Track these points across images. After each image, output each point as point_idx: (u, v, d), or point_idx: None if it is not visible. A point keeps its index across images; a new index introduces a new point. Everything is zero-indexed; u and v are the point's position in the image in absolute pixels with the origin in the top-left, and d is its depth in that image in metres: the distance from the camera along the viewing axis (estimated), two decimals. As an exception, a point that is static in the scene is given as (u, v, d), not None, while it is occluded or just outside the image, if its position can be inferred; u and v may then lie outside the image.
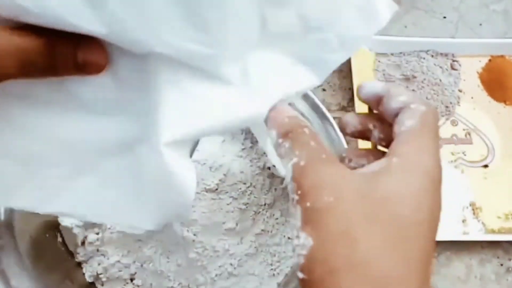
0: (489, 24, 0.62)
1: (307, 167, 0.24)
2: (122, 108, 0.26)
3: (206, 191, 0.40)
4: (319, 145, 0.25)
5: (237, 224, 0.41)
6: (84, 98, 0.26)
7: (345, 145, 0.38)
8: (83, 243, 0.44)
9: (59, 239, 0.44)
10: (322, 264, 0.22)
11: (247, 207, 0.42)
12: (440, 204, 0.26)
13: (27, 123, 0.26)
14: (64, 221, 0.43)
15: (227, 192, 0.41)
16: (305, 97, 0.41)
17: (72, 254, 0.44)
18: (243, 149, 0.45)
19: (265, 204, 0.43)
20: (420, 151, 0.25)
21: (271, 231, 0.43)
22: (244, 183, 0.42)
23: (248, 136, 0.46)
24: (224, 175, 0.41)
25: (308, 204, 0.23)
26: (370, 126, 0.30)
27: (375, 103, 0.29)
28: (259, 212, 0.43)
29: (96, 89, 0.25)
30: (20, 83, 0.24)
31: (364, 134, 0.30)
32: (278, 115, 0.27)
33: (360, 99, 0.30)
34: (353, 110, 0.55)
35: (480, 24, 0.62)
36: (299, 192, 0.24)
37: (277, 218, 0.44)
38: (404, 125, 0.25)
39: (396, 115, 0.27)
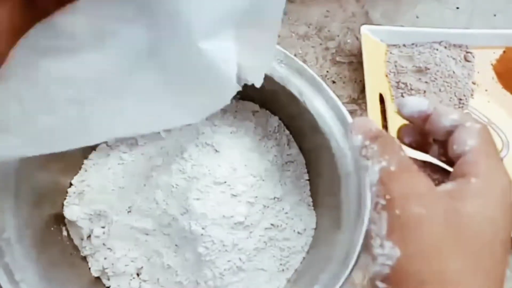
0: (504, 15, 0.60)
1: (397, 174, 0.25)
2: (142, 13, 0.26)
3: (215, 184, 0.39)
4: (407, 155, 0.26)
5: (246, 218, 0.40)
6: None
7: (346, 113, 0.37)
8: (88, 237, 0.43)
9: (65, 233, 0.43)
10: (414, 276, 0.23)
11: (256, 201, 0.41)
12: None
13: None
14: (69, 214, 0.42)
15: (236, 185, 0.40)
16: (299, 71, 0.39)
17: (77, 248, 0.43)
18: (252, 142, 0.44)
19: (274, 198, 0.42)
20: (494, 171, 0.26)
21: (281, 226, 0.42)
22: (254, 176, 0.41)
23: (258, 130, 0.45)
24: (233, 168, 0.40)
25: (397, 211, 0.23)
26: (430, 140, 0.30)
27: (420, 120, 0.29)
28: (269, 206, 0.42)
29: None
30: None
31: (422, 146, 0.31)
32: (364, 123, 0.28)
33: (402, 116, 0.30)
34: (364, 102, 0.54)
35: (494, 15, 0.60)
36: (387, 197, 0.24)
37: (286, 212, 0.43)
38: (467, 144, 0.26)
39: (448, 133, 0.28)
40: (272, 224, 0.42)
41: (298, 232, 0.43)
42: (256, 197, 0.41)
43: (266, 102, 0.46)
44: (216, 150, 0.41)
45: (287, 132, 0.46)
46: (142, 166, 0.44)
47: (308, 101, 0.39)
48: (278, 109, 0.46)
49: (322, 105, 0.39)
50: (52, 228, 0.42)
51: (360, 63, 0.55)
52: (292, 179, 0.45)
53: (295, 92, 0.39)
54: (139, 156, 0.45)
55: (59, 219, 0.43)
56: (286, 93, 0.40)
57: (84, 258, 0.43)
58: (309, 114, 0.39)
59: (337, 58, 0.58)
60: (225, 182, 0.40)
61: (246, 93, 0.45)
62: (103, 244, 0.42)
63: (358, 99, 0.56)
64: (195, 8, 0.26)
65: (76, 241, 0.43)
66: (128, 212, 0.42)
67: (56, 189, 0.43)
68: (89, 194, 0.43)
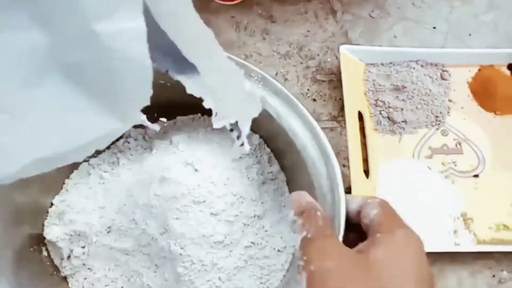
0: (478, 35, 0.62)
1: (313, 240, 0.30)
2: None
3: (194, 203, 0.39)
4: (325, 224, 0.32)
5: (225, 237, 0.40)
6: None
7: (333, 157, 0.38)
8: (68, 257, 0.43)
9: (45, 253, 0.43)
10: None
11: (236, 219, 0.41)
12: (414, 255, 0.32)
13: None
14: (49, 235, 0.42)
15: (215, 204, 0.40)
16: (276, 92, 0.40)
17: (57, 269, 0.43)
18: (233, 160, 0.45)
19: (254, 216, 0.43)
20: (395, 225, 0.32)
21: (261, 244, 0.42)
22: (234, 195, 0.42)
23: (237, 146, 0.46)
24: (213, 187, 0.41)
25: (312, 267, 0.28)
26: None
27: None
28: (249, 224, 0.42)
29: None
30: None
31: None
32: (298, 198, 0.34)
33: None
34: (344, 120, 0.55)
35: (470, 35, 0.62)
36: (304, 258, 0.29)
37: (266, 230, 0.43)
38: (372, 213, 0.32)
39: (358, 213, 0.34)
40: (252, 242, 0.42)
41: (278, 250, 0.43)
42: (236, 215, 0.41)
43: None
44: (196, 169, 0.41)
45: (268, 150, 0.47)
46: (122, 186, 0.44)
47: (285, 122, 0.40)
48: (258, 127, 0.46)
49: (299, 125, 0.39)
50: (32, 249, 0.42)
51: (340, 81, 0.56)
52: (272, 196, 0.45)
53: (272, 113, 0.40)
54: (120, 176, 0.45)
55: (40, 239, 0.43)
56: (265, 113, 0.40)
57: (65, 278, 0.43)
58: (286, 134, 0.40)
59: (318, 77, 0.59)
60: (205, 201, 0.40)
61: None
62: (83, 264, 0.42)
63: (338, 116, 0.57)
64: None
65: (56, 261, 0.43)
66: (108, 232, 0.42)
67: (36, 209, 0.43)
68: (69, 214, 0.43)
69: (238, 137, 0.40)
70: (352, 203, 0.36)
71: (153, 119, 0.47)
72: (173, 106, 0.46)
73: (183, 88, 0.40)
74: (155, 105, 0.42)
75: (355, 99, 0.55)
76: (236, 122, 0.38)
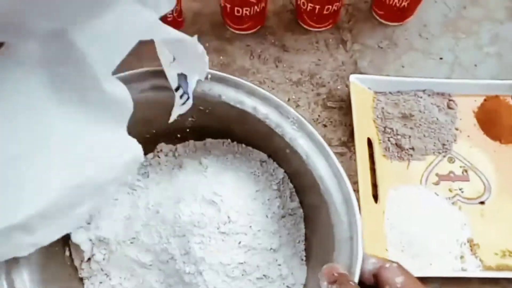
0: (484, 65, 0.64)
1: None
2: None
3: (217, 232, 0.41)
4: None
5: (242, 267, 0.42)
6: None
7: (356, 208, 0.40)
8: (88, 259, 0.44)
9: (67, 253, 0.45)
10: None
11: (254, 251, 0.43)
12: None
13: None
14: (75, 238, 0.44)
15: (237, 234, 0.42)
16: (309, 135, 0.42)
17: (76, 270, 0.45)
18: (256, 191, 0.47)
19: (270, 249, 0.44)
20: None
21: (272, 277, 0.44)
22: (254, 227, 0.43)
23: (262, 179, 0.48)
24: (237, 215, 0.43)
25: None
26: None
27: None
28: (264, 256, 0.44)
29: None
30: None
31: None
32: (330, 270, 0.36)
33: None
34: (353, 145, 0.57)
35: (475, 65, 0.64)
36: None
37: (279, 264, 0.45)
38: (398, 282, 0.34)
39: (373, 275, 0.36)
40: (264, 275, 0.44)
41: (287, 286, 0.45)
42: (254, 248, 0.43)
43: (273, 154, 0.49)
44: (222, 199, 0.43)
45: (291, 185, 0.49)
46: (149, 199, 0.46)
47: (313, 164, 0.42)
48: (283, 162, 0.49)
49: (326, 171, 0.41)
50: (57, 247, 0.44)
51: (349, 108, 0.58)
52: (289, 232, 0.47)
53: (302, 153, 0.42)
54: (148, 189, 0.47)
55: (65, 239, 0.45)
56: (293, 151, 0.43)
57: (81, 280, 0.45)
58: (312, 176, 0.42)
59: (328, 103, 0.61)
60: (227, 231, 0.42)
61: (256, 143, 0.49)
62: (101, 269, 0.44)
63: (348, 142, 0.59)
64: (97, 52, 0.30)
65: (76, 262, 0.45)
66: (131, 243, 0.44)
67: None
68: (96, 219, 0.45)
69: (181, 96, 0.42)
70: (366, 263, 0.37)
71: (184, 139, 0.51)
72: (206, 129, 0.49)
73: (219, 114, 0.45)
74: (190, 128, 0.47)
75: (364, 125, 0.57)
76: (185, 77, 0.42)
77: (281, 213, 0.47)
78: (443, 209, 0.54)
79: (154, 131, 0.49)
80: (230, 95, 0.44)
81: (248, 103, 0.44)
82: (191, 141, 0.51)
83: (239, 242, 0.42)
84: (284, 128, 0.43)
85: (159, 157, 0.50)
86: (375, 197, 0.54)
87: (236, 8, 0.61)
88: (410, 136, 0.57)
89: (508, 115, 0.58)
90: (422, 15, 0.67)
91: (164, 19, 0.60)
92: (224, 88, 0.44)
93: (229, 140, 0.51)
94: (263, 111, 0.43)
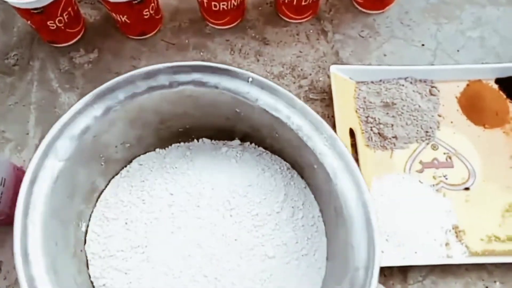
0: (467, 50, 0.63)
1: None
2: None
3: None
4: None
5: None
6: None
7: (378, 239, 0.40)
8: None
9: (83, 229, 0.48)
10: None
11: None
12: None
13: None
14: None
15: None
16: (340, 154, 0.43)
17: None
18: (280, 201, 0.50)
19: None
20: None
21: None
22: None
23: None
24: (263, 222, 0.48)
25: None
26: None
27: None
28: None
29: None
30: None
31: None
32: None
33: None
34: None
35: (458, 51, 0.63)
36: None
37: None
38: None
39: None
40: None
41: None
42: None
43: (299, 168, 0.51)
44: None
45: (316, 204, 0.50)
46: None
47: (340, 184, 0.42)
48: (309, 178, 0.50)
49: (353, 195, 0.41)
50: (74, 222, 0.47)
51: (332, 100, 0.57)
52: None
53: (329, 171, 0.43)
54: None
55: (80, 216, 0.48)
56: (321, 167, 0.44)
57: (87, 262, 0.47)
58: (337, 197, 0.42)
59: (310, 95, 0.61)
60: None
61: (285, 152, 0.51)
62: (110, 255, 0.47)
63: (332, 134, 0.58)
64: None
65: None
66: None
67: (90, 188, 0.49)
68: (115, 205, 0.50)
69: None
70: None
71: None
72: (235, 132, 0.52)
73: (254, 118, 0.47)
74: (221, 128, 0.51)
75: (346, 116, 0.57)
76: None
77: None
78: (427, 197, 0.53)
79: (188, 127, 0.51)
80: (267, 101, 0.45)
81: (284, 112, 0.44)
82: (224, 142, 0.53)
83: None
84: (315, 143, 0.43)
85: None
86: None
87: (213, 3, 0.60)
88: (392, 125, 0.57)
89: (491, 99, 0.58)
90: (403, 2, 0.67)
91: (141, 16, 0.59)
92: (262, 94, 0.45)
93: (257, 146, 0.53)
94: (298, 122, 0.44)
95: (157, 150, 0.52)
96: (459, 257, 0.50)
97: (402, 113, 0.57)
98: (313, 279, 0.46)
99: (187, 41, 0.64)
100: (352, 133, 0.57)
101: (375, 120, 0.57)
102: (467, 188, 0.54)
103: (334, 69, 0.58)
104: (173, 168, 0.51)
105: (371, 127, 0.57)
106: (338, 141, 0.43)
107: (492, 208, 0.53)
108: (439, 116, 0.58)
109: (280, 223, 0.48)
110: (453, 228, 0.52)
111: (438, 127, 0.57)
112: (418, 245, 0.50)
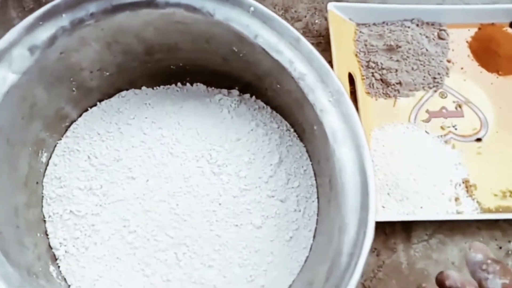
0: (478, -8, 0.57)
1: None
2: None
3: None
4: None
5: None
6: None
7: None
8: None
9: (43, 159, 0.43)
10: None
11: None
12: None
13: None
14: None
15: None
16: (346, 115, 0.36)
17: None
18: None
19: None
20: None
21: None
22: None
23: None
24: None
25: None
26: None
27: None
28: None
29: None
30: None
31: None
32: (482, 246, 0.34)
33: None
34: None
35: (469, -8, 0.57)
36: None
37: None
38: None
39: None
40: None
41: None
42: None
43: (297, 126, 0.44)
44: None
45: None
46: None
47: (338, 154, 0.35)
48: (307, 140, 0.43)
49: (352, 165, 0.34)
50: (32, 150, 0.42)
51: (329, 44, 0.51)
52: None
53: (329, 135, 0.35)
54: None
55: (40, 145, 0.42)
56: (321, 130, 0.36)
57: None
58: (334, 166, 0.35)
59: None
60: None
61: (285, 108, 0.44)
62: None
63: (327, 82, 0.52)
64: None
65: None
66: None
67: (54, 114, 0.43)
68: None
69: None
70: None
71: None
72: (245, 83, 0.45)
73: (252, 60, 0.39)
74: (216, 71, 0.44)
75: (345, 60, 0.51)
76: None
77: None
78: (434, 148, 0.48)
79: (181, 64, 0.44)
80: (269, 39, 0.37)
81: (286, 55, 0.37)
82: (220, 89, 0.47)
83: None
84: (317, 97, 0.36)
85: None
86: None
87: None
88: (396, 70, 0.51)
89: (506, 44, 0.52)
90: None
91: None
92: (263, 29, 0.37)
93: (253, 97, 0.46)
94: (301, 70, 0.36)
95: (143, 88, 0.46)
96: (470, 214, 0.45)
97: (407, 57, 0.51)
98: (299, 258, 0.40)
99: None
100: (351, 79, 0.51)
101: (377, 65, 0.51)
102: (478, 139, 0.48)
103: (331, 6, 0.51)
104: (155, 108, 0.45)
105: (372, 72, 0.51)
106: (346, 97, 0.35)
107: (506, 161, 0.47)
108: (448, 61, 0.52)
109: (271, 190, 0.41)
110: (463, 182, 0.46)
111: (447, 73, 0.51)
112: (423, 199, 0.45)
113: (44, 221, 0.41)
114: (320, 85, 0.36)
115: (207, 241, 0.40)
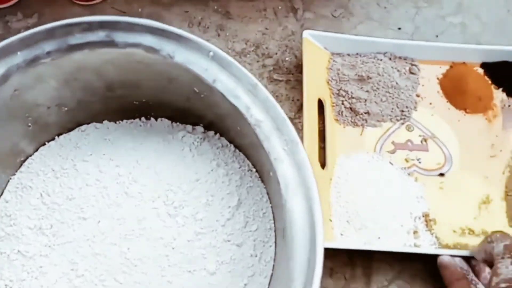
0: (446, 37, 0.58)
1: None
2: None
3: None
4: None
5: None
6: None
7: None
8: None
9: None
10: None
11: None
12: None
13: None
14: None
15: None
16: (299, 166, 0.34)
17: None
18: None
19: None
20: None
21: None
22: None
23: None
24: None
25: None
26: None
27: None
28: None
29: None
30: None
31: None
32: (504, 236, 0.39)
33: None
34: (301, 122, 0.50)
35: (437, 36, 0.58)
36: None
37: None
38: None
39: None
40: None
41: None
42: None
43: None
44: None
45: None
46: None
47: (290, 203, 0.34)
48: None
49: (302, 215, 0.33)
50: None
51: (298, 81, 0.52)
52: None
53: (282, 185, 0.34)
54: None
55: None
56: (275, 177, 0.35)
57: None
58: (285, 216, 0.34)
59: (275, 76, 0.55)
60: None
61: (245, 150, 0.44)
62: None
63: (295, 118, 0.52)
64: None
65: None
66: None
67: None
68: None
69: None
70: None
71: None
72: (198, 117, 0.44)
73: (213, 103, 0.39)
74: (182, 110, 0.43)
75: (316, 86, 0.51)
76: None
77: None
78: (397, 179, 0.47)
79: (144, 100, 0.44)
80: (227, 83, 0.37)
81: (243, 100, 0.36)
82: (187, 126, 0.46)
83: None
84: (272, 145, 0.35)
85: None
86: (323, 164, 0.48)
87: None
88: (366, 100, 0.51)
89: (475, 83, 0.52)
90: (381, -18, 0.62)
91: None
92: (222, 74, 0.37)
93: (217, 135, 0.45)
94: (258, 116, 0.36)
95: (105, 122, 0.45)
96: (428, 248, 0.44)
97: (377, 88, 0.51)
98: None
99: (140, 9, 0.57)
100: (321, 105, 0.51)
101: (347, 94, 0.51)
102: (442, 174, 0.48)
103: (307, 34, 0.52)
104: (114, 144, 0.44)
105: (342, 100, 0.51)
106: (300, 147, 0.35)
107: (468, 199, 0.47)
108: (417, 96, 0.52)
109: (228, 234, 0.40)
110: (423, 216, 0.46)
111: (415, 107, 0.52)
112: (382, 230, 0.44)
113: (-10, 260, 0.39)
114: (275, 133, 0.35)
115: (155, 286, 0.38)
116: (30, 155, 0.43)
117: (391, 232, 0.44)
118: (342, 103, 0.51)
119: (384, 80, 0.52)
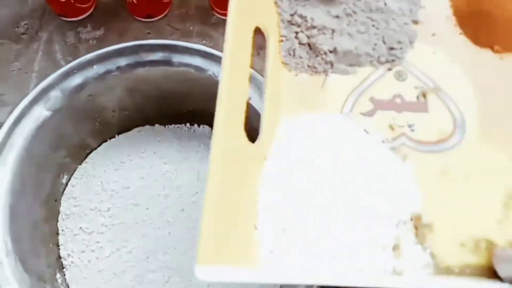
0: None
1: None
2: None
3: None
4: None
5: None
6: None
7: None
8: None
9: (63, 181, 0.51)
10: None
11: None
12: None
13: None
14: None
15: None
16: None
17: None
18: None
19: None
20: None
21: None
22: None
23: None
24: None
25: None
26: None
27: None
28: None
29: None
30: None
31: None
32: None
33: None
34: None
35: None
36: None
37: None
38: None
39: None
40: None
41: None
42: None
43: None
44: None
45: None
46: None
47: None
48: None
49: None
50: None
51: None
52: None
53: None
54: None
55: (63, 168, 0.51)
56: None
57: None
58: None
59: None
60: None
61: None
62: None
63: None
64: None
65: None
66: None
67: (79, 144, 0.53)
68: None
69: None
70: None
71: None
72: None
73: None
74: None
75: (253, 7, 0.33)
76: None
77: None
78: (374, 158, 0.30)
79: (190, 109, 0.53)
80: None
81: None
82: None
83: None
84: None
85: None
86: (252, 134, 0.30)
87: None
88: (333, 31, 0.33)
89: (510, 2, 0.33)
90: None
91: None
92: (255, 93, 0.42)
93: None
94: None
95: (157, 125, 0.54)
96: (415, 275, 0.27)
97: (353, 12, 0.33)
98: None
99: (191, 28, 0.60)
100: (261, 38, 0.33)
101: (305, 21, 0.33)
102: (448, 150, 0.30)
103: None
104: (163, 145, 0.53)
105: (296, 32, 0.33)
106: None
107: (488, 190, 0.29)
108: (416, 23, 0.34)
109: None
110: (411, 219, 0.28)
111: (411, 42, 0.33)
112: (341, 245, 0.27)
113: (57, 234, 0.49)
114: None
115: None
116: (95, 149, 0.53)
117: (359, 251, 0.27)
118: (296, 37, 0.33)
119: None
